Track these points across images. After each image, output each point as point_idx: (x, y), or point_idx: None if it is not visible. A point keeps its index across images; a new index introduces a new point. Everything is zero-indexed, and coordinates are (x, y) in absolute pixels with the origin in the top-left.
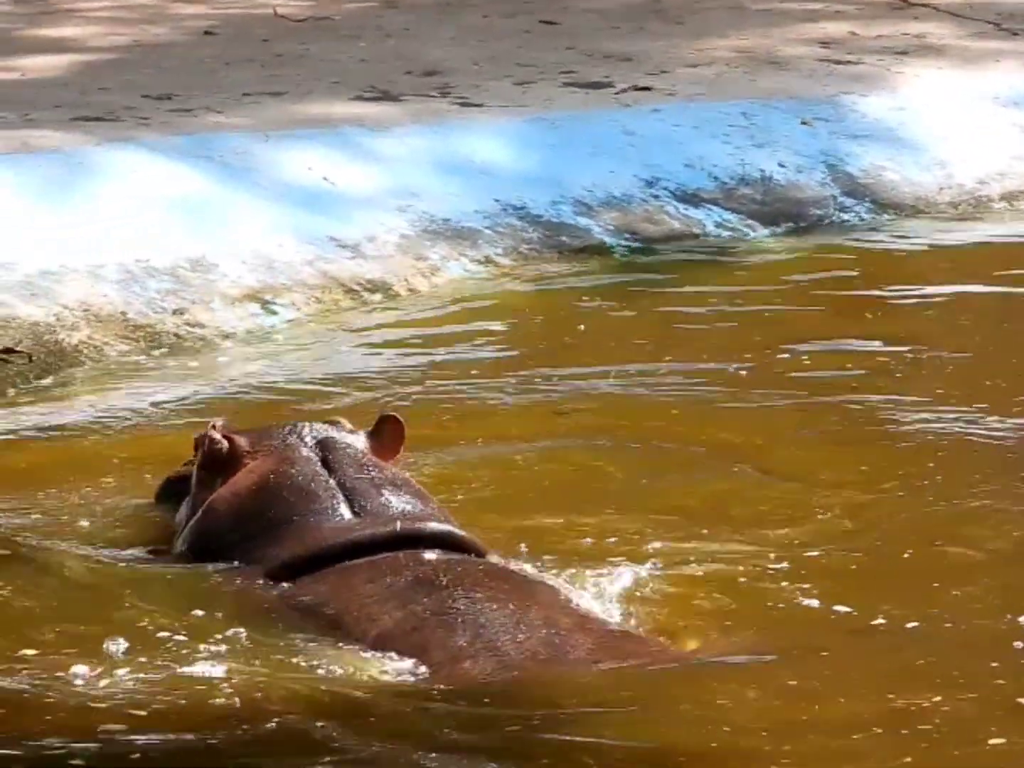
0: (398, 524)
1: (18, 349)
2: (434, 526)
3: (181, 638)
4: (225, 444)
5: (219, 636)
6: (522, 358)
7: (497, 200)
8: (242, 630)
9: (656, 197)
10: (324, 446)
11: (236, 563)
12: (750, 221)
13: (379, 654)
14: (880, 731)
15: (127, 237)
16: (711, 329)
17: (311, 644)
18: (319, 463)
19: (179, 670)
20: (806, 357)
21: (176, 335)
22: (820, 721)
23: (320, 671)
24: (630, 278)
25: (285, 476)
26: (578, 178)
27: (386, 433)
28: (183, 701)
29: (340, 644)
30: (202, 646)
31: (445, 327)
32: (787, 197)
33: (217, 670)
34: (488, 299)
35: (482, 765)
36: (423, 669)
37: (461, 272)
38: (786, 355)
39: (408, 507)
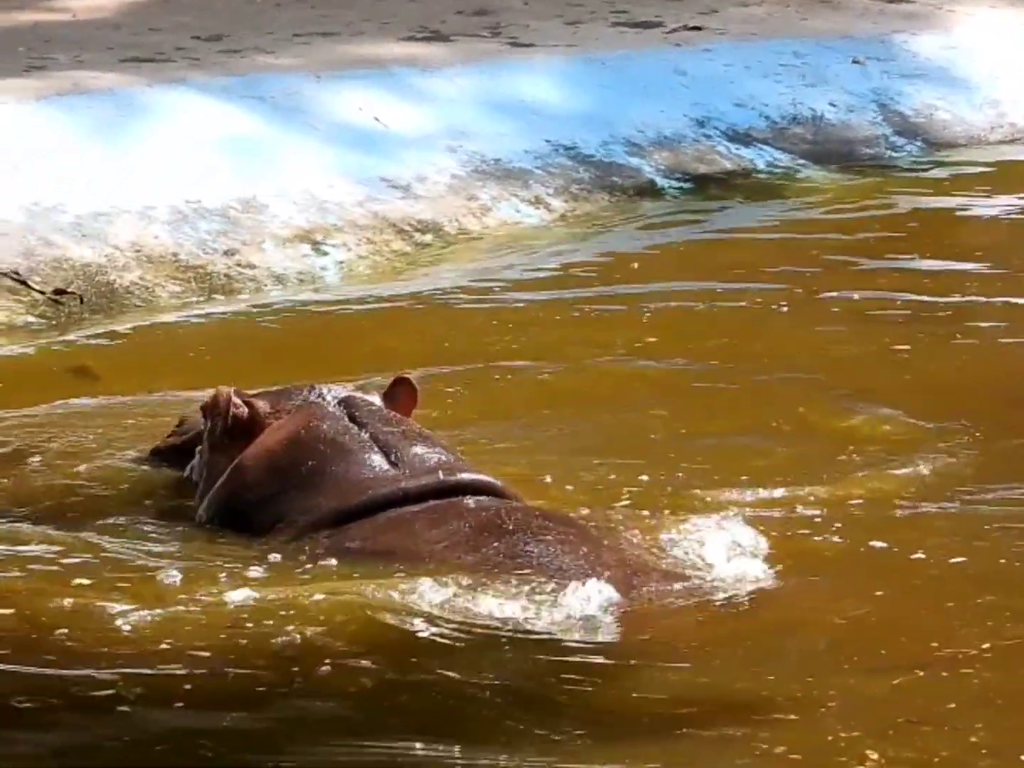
0: (441, 473)
1: (69, 290)
2: (478, 476)
3: (243, 583)
4: (245, 409)
5: (282, 578)
6: (575, 299)
7: (548, 140)
8: (306, 572)
9: (707, 137)
10: (348, 404)
11: (275, 518)
12: (801, 160)
13: (459, 596)
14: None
15: (178, 178)
16: (762, 267)
17: (384, 586)
18: (347, 419)
19: (242, 610)
20: (856, 295)
21: (227, 276)
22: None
23: (394, 612)
24: (681, 218)
25: (317, 431)
26: (629, 118)
27: (400, 395)
28: (247, 641)
29: (417, 587)
30: (269, 594)
31: (496, 267)
32: (838, 136)
33: (281, 609)
34: (539, 239)
35: (572, 704)
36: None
37: (512, 213)
38: (834, 293)
39: (443, 458)
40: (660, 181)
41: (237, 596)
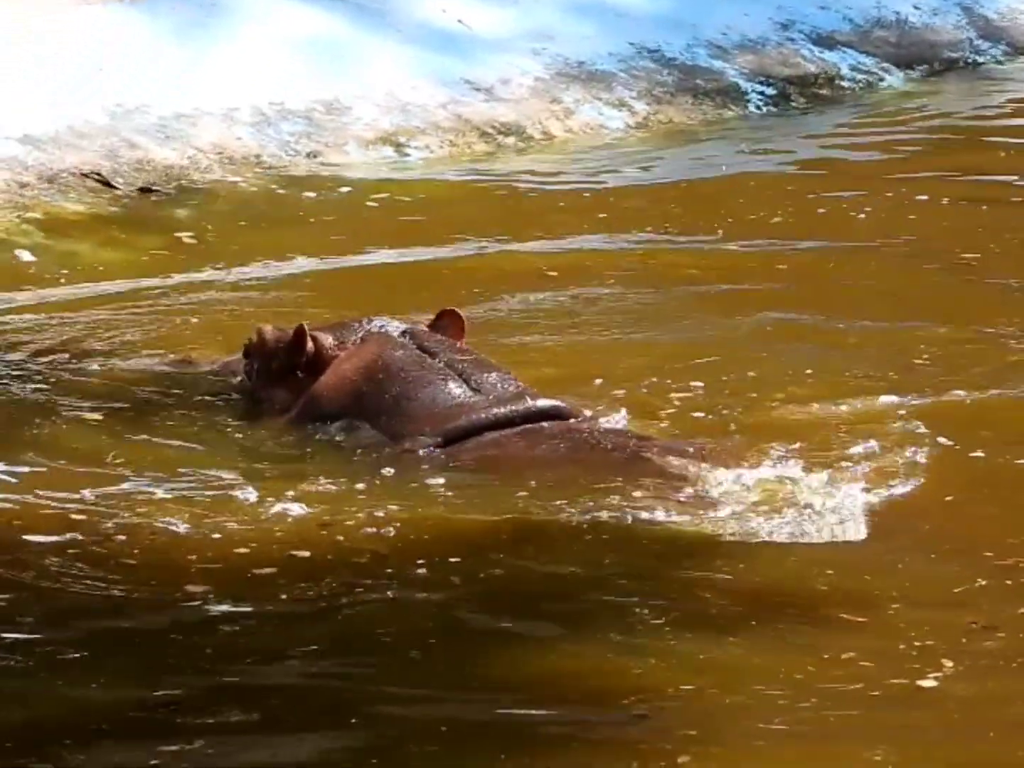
0: (529, 399)
1: (155, 187)
2: (555, 402)
3: (349, 497)
4: (311, 344)
5: (387, 492)
6: (666, 200)
7: (631, 43)
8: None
9: (791, 40)
10: (412, 335)
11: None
12: (885, 64)
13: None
14: None
15: (261, 80)
16: (849, 171)
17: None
18: (417, 348)
19: (347, 520)
20: (946, 199)
21: (310, 178)
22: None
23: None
24: (766, 121)
25: (395, 359)
26: (713, 21)
27: (448, 326)
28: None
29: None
30: (374, 506)
31: (579, 168)
32: (922, 40)
33: (386, 523)
34: (623, 141)
35: (684, 588)
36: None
37: (595, 115)
38: (925, 196)
39: (517, 385)
40: (743, 84)
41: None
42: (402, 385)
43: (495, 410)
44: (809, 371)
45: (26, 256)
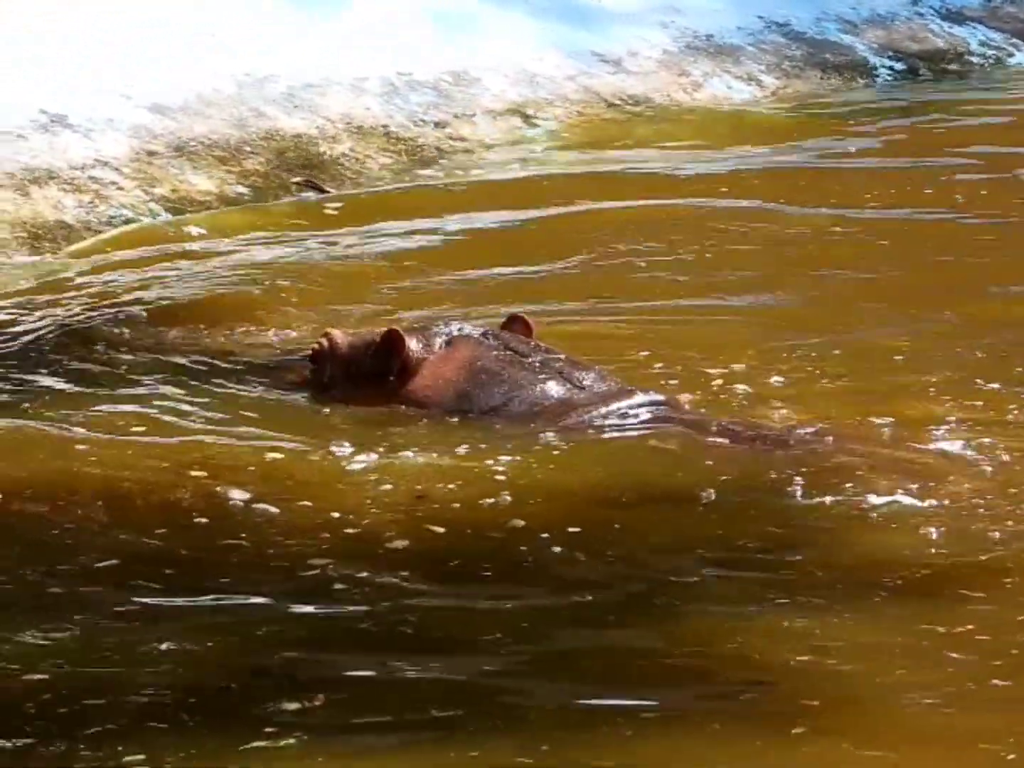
0: (641, 395)
1: (318, 185)
2: (656, 395)
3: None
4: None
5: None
6: (794, 174)
7: (760, 17)
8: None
9: (920, 15)
10: (495, 336)
11: None
12: (1014, 40)
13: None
14: None
15: (390, 50)
16: (979, 146)
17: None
18: (505, 349)
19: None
20: None
21: (438, 148)
22: None
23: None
24: (895, 97)
25: (492, 359)
26: None
27: (517, 331)
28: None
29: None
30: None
31: (708, 143)
32: None
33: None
34: (751, 116)
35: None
36: None
37: (723, 89)
38: None
39: (614, 379)
40: (872, 59)
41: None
42: (508, 384)
43: (608, 406)
44: None
45: (194, 230)
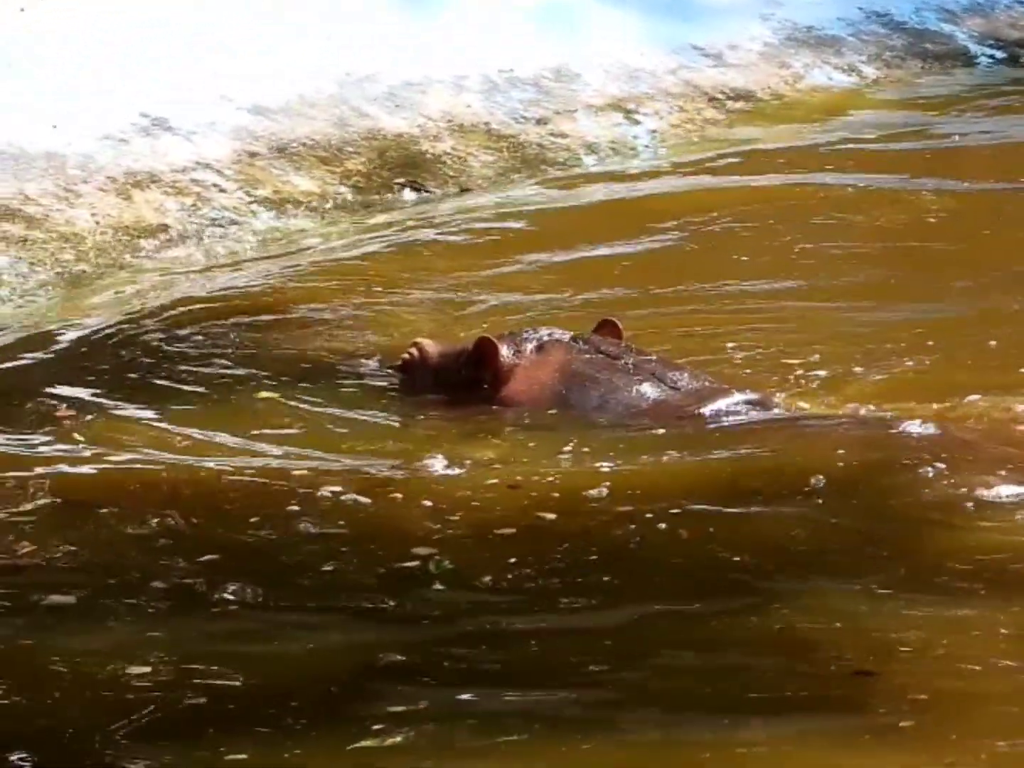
0: (740, 395)
1: (418, 185)
2: (754, 394)
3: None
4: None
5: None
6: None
7: (860, 8)
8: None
9: (1020, 2)
10: (585, 340)
11: None
12: None
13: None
14: None
15: (489, 47)
16: None
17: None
18: (596, 352)
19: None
20: None
21: (539, 145)
22: None
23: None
24: (997, 86)
25: (586, 363)
26: None
27: (605, 336)
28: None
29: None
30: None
31: (812, 135)
32: None
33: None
34: (854, 107)
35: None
36: None
37: (825, 80)
38: None
39: (708, 378)
40: (973, 48)
41: None
42: (603, 387)
43: (714, 406)
44: None
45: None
